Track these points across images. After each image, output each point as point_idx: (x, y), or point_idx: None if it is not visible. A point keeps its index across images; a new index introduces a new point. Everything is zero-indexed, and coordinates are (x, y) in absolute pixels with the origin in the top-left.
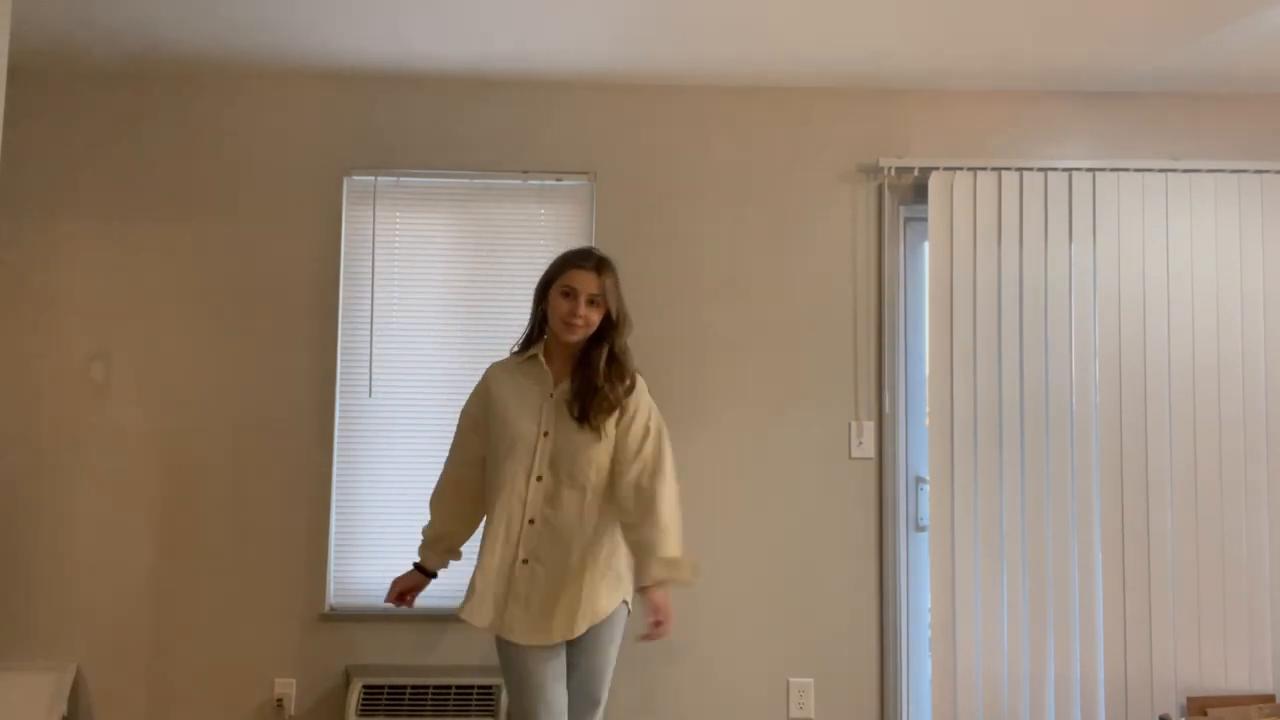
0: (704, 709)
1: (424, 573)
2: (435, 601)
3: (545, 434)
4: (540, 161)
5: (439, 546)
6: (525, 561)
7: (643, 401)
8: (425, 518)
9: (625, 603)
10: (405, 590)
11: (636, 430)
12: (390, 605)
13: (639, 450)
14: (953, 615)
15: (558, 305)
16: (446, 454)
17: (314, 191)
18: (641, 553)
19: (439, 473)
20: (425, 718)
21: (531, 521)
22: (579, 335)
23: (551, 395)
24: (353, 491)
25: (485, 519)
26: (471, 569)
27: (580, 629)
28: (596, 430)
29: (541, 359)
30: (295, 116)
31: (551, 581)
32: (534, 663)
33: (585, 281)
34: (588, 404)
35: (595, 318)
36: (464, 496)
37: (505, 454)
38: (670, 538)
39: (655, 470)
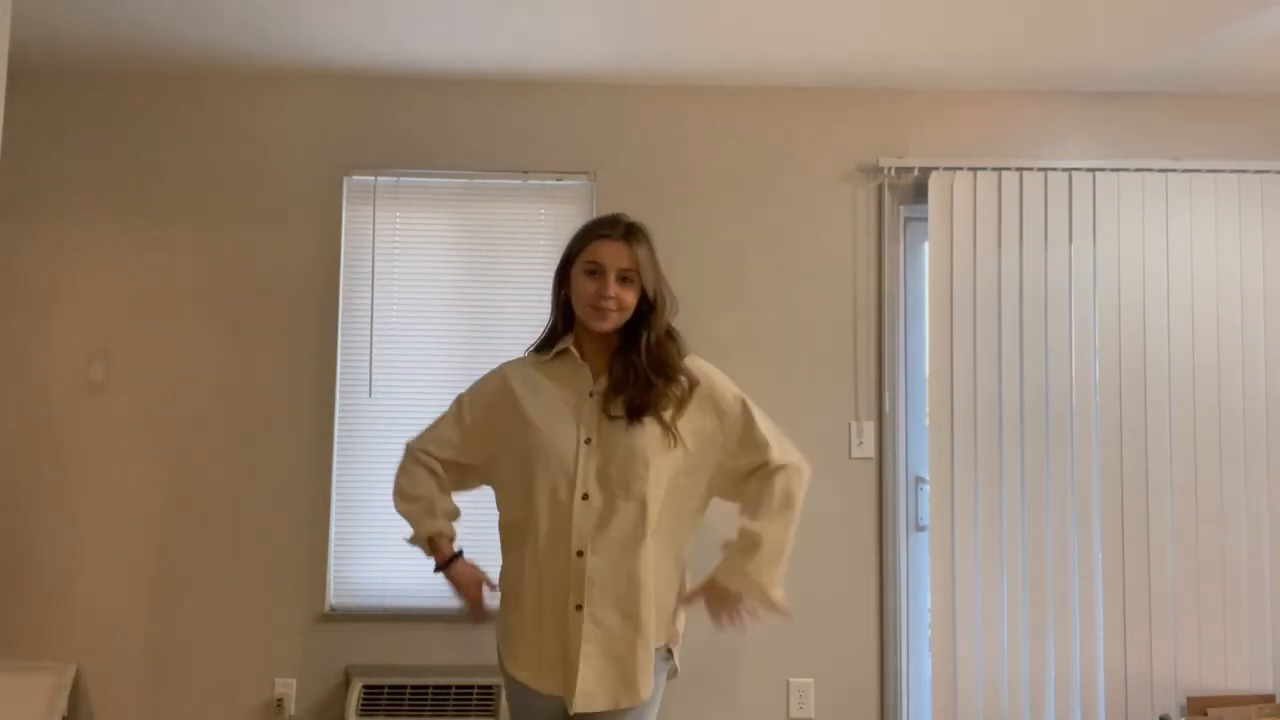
0: (704, 708)
1: (452, 558)
2: (435, 601)
3: (587, 441)
4: (540, 161)
5: (435, 509)
6: (580, 608)
7: (713, 375)
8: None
9: (670, 651)
10: (471, 586)
11: (730, 406)
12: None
13: (747, 428)
14: (953, 615)
15: (582, 287)
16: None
17: (314, 191)
18: (739, 552)
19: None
20: (425, 718)
21: (580, 554)
22: (612, 322)
23: (592, 394)
24: (353, 491)
25: (505, 557)
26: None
27: (602, 706)
28: (660, 427)
29: (575, 352)
30: (295, 116)
31: (610, 634)
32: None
33: (613, 254)
34: (637, 397)
35: (630, 298)
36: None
37: (535, 469)
38: (777, 567)
39: (785, 450)
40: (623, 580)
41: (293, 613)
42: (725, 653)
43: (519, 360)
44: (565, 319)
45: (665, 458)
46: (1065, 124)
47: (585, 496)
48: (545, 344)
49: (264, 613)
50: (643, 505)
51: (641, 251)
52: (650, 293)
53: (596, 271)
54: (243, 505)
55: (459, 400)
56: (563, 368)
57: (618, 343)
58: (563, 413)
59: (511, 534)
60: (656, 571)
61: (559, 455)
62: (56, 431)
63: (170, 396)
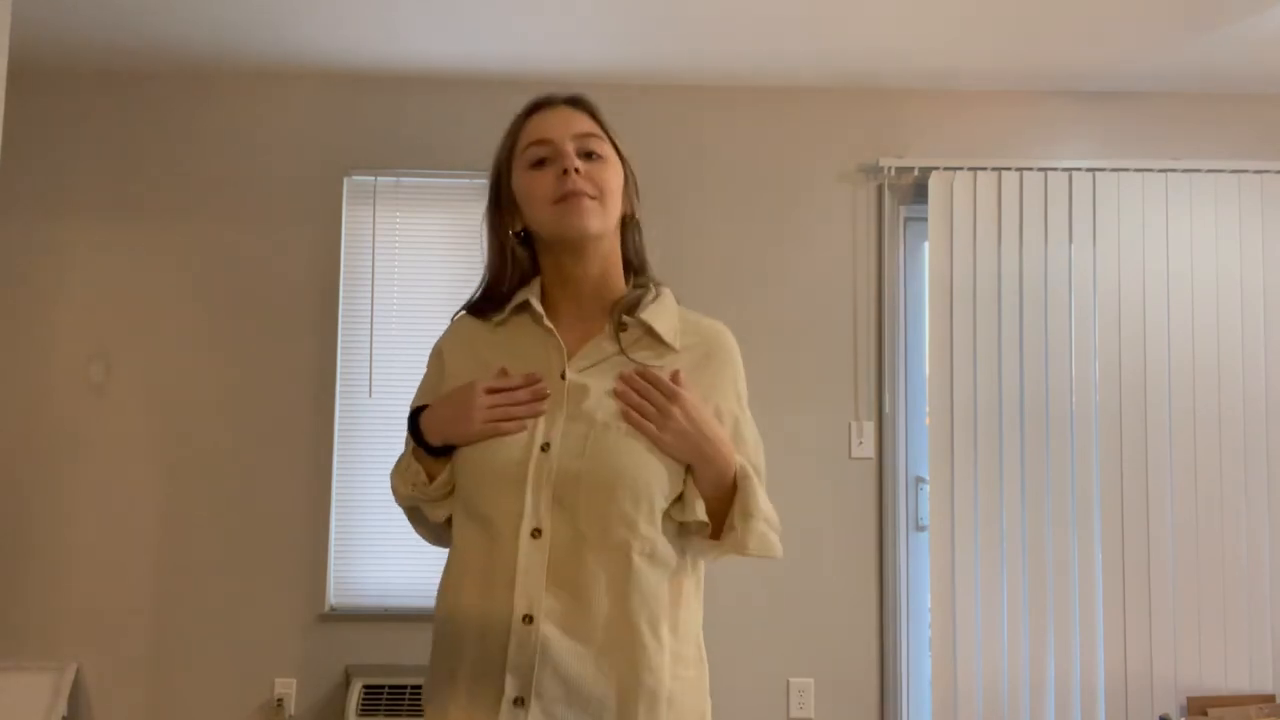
0: None
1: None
2: (434, 602)
3: (544, 448)
4: None
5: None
6: (519, 702)
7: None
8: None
9: None
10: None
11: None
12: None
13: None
14: (953, 615)
15: (532, 185)
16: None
17: (314, 191)
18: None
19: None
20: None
21: (528, 620)
22: (593, 214)
23: (564, 377)
24: (352, 491)
25: (437, 620)
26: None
27: None
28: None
29: (537, 307)
30: (295, 116)
31: None
32: None
33: (561, 121)
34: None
35: (609, 176)
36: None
37: (470, 491)
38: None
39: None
40: (603, 673)
41: (293, 613)
42: (725, 653)
43: (457, 325)
44: (515, 263)
45: (664, 467)
46: (1065, 124)
47: (535, 533)
48: (490, 298)
49: (264, 613)
50: (624, 552)
51: (604, 120)
52: (627, 173)
53: (547, 158)
54: (243, 505)
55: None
56: (520, 335)
57: (614, 296)
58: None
59: (443, 585)
60: (654, 644)
61: (504, 465)
62: (56, 431)
63: (170, 396)
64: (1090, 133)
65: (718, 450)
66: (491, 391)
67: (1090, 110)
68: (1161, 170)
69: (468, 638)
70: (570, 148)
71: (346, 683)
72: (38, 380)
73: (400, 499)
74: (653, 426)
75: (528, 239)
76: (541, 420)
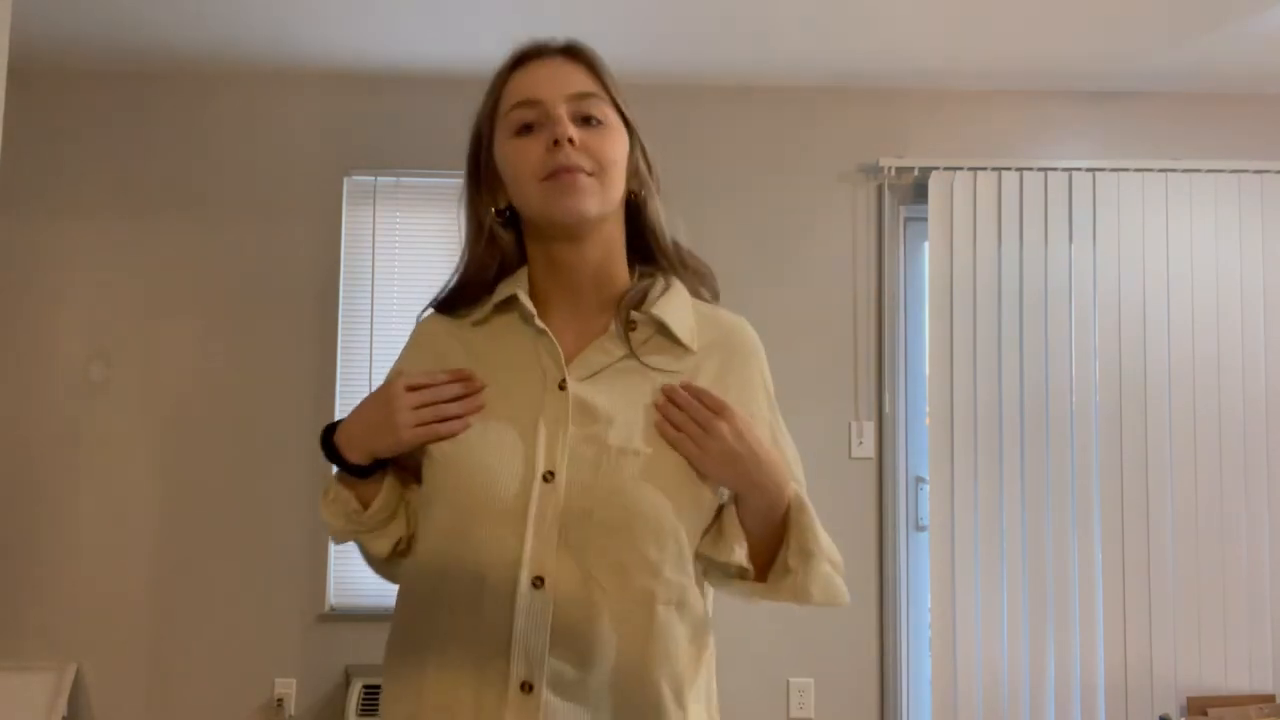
0: None
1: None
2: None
3: (547, 477)
4: None
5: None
6: None
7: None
8: None
9: None
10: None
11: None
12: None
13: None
14: (953, 615)
15: (518, 159)
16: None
17: (314, 191)
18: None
19: None
20: None
21: (527, 688)
22: (589, 193)
23: (563, 387)
24: None
25: (385, 690)
26: None
27: None
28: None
29: (527, 303)
30: (295, 116)
31: None
32: None
33: (553, 76)
34: None
35: (608, 146)
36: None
37: (447, 527)
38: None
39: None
40: None
41: (293, 613)
42: (725, 652)
43: (422, 330)
44: (497, 249)
45: (701, 493)
46: (1065, 124)
47: (538, 582)
48: (466, 292)
49: (264, 613)
50: (647, 604)
51: (605, 76)
52: (636, 142)
53: (535, 122)
54: (243, 505)
55: None
56: (505, 337)
57: (617, 289)
58: (503, 421)
59: (399, 647)
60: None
61: (499, 499)
62: (56, 431)
63: (170, 396)
64: (1090, 133)
65: (771, 477)
66: (414, 389)
67: (1090, 110)
68: (1161, 170)
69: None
70: (563, 111)
71: (346, 683)
72: (38, 380)
73: (335, 535)
74: (693, 445)
75: (513, 219)
76: (541, 443)
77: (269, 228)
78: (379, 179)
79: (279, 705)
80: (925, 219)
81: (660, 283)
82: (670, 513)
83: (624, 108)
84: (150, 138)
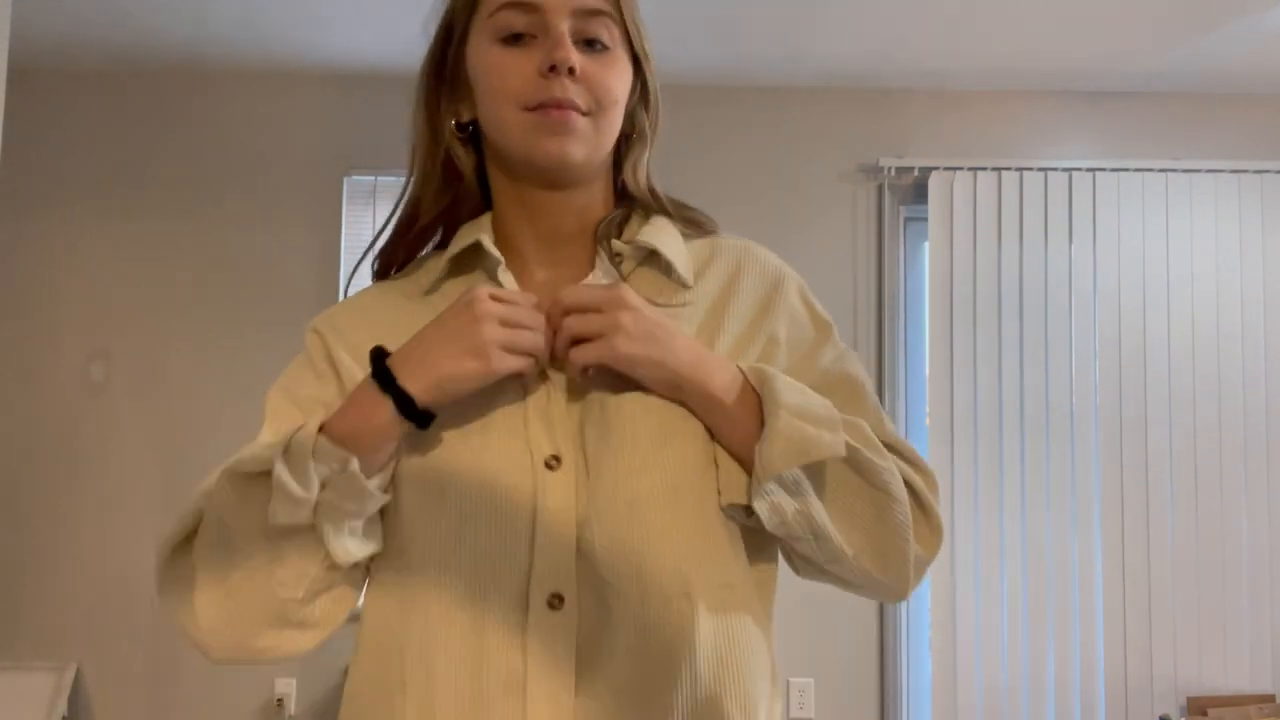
0: None
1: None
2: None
3: (550, 463)
4: None
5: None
6: None
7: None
8: None
9: None
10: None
11: (804, 333)
12: None
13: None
14: (953, 615)
15: (501, 73)
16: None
17: (314, 191)
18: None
19: None
20: None
21: None
22: (579, 143)
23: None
24: None
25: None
26: None
27: None
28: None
29: (493, 250)
30: (295, 116)
31: None
32: None
33: None
34: None
35: (611, 79)
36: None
37: (426, 531)
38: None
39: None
40: None
41: None
42: None
43: (367, 293)
44: (453, 181)
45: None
46: (1065, 124)
47: (555, 601)
48: (408, 240)
49: None
50: (688, 618)
51: None
52: (646, 69)
53: (526, 30)
54: None
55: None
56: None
57: (601, 227)
58: (494, 407)
59: (367, 689)
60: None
61: (495, 497)
62: (56, 431)
63: (170, 396)
64: (1090, 133)
65: (700, 372)
66: (499, 301)
67: (1090, 110)
68: (1161, 170)
69: None
70: (566, 28)
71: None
72: (38, 380)
73: (281, 520)
74: (593, 350)
75: (475, 138)
76: (532, 420)
77: (269, 227)
78: (379, 179)
79: (279, 705)
80: (925, 219)
81: (640, 213)
82: (701, 482)
83: (636, 35)
84: (150, 138)
